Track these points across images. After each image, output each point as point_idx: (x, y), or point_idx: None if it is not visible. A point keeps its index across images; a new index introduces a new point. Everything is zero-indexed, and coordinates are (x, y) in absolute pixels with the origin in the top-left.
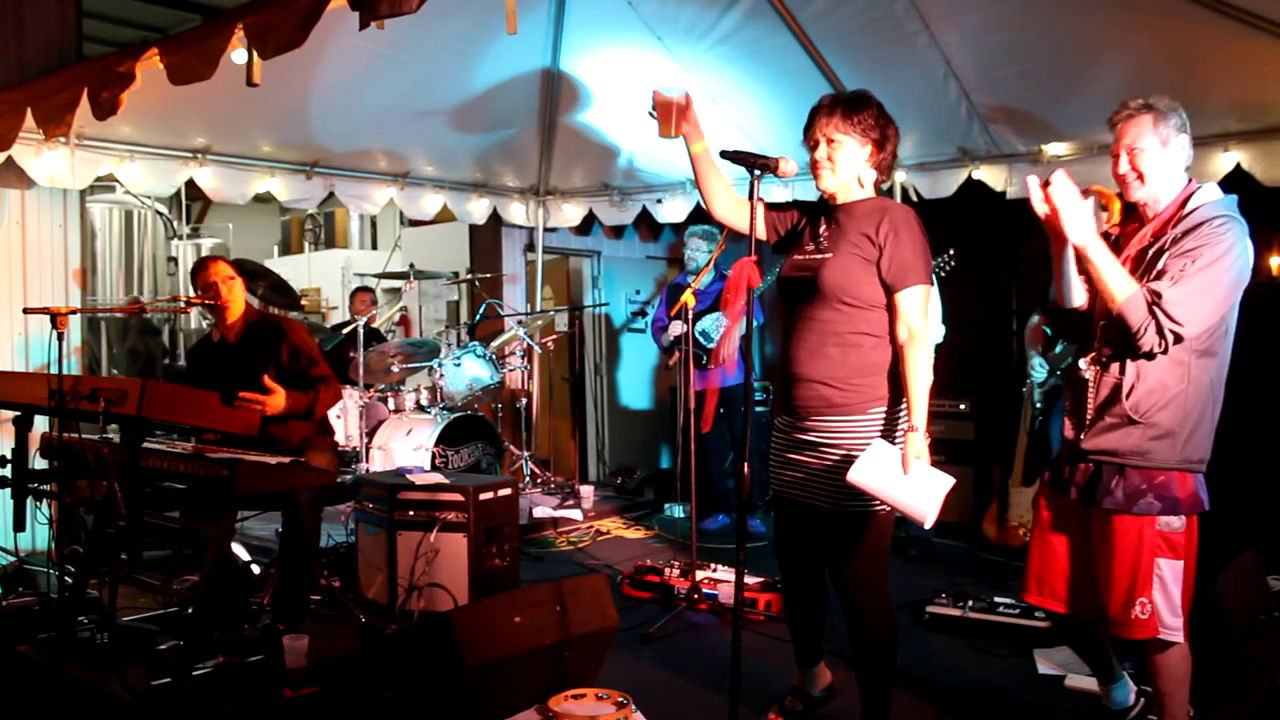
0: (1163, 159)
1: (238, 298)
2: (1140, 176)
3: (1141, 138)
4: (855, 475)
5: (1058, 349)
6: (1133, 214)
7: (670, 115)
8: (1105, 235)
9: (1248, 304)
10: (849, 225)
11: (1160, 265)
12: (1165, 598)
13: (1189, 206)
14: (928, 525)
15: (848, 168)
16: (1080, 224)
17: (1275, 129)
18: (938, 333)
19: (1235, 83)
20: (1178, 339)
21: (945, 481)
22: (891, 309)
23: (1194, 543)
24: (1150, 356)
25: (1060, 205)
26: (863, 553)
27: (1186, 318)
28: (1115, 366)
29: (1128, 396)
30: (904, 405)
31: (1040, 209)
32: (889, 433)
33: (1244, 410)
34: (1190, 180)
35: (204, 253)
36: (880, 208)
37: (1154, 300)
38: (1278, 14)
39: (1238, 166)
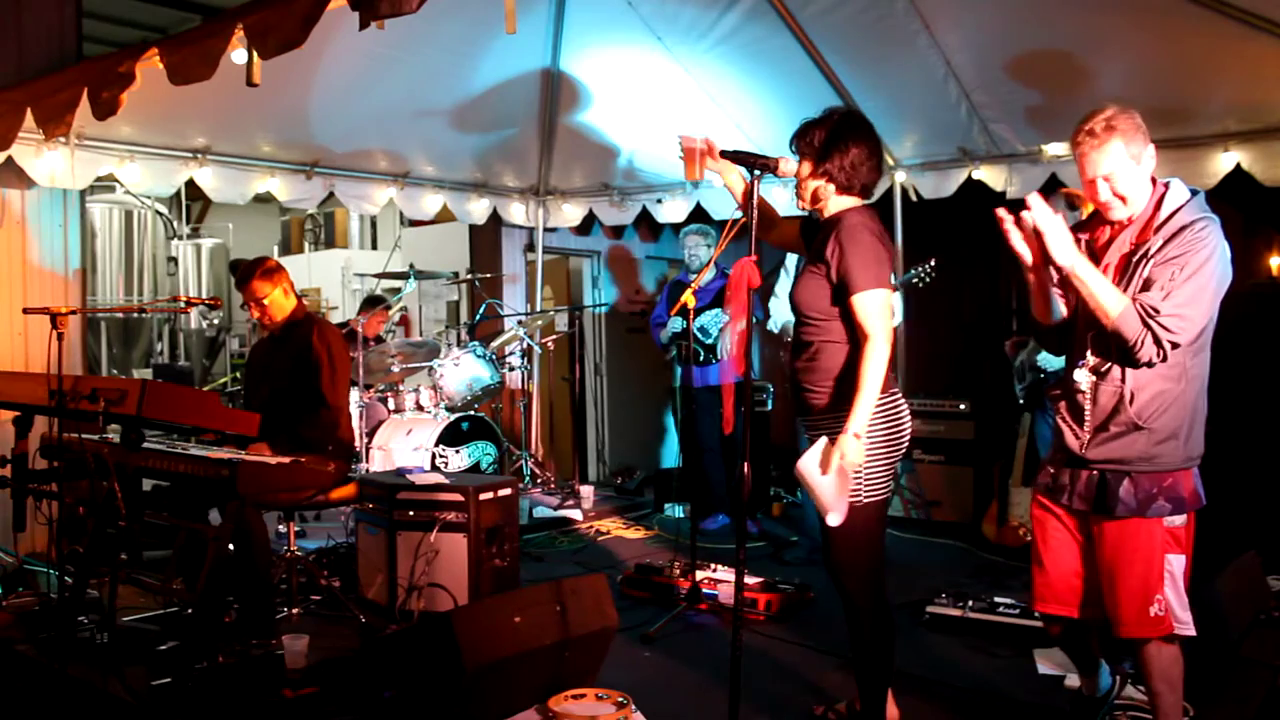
0: (1139, 175)
1: (279, 305)
2: (1124, 200)
3: (1117, 163)
4: (800, 464)
5: (1021, 356)
6: (1098, 217)
7: (694, 159)
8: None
9: (1248, 304)
10: (816, 243)
11: (1146, 273)
12: (1175, 593)
13: (1165, 209)
14: (830, 522)
15: (804, 187)
16: (1064, 247)
17: (1275, 129)
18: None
19: (1235, 83)
20: (1174, 346)
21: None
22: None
23: (1192, 535)
24: (1150, 365)
25: (1044, 230)
26: (851, 542)
27: (1180, 327)
28: (1114, 374)
29: (1131, 404)
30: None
31: (1016, 243)
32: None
33: (1244, 410)
34: (1155, 181)
35: (204, 252)
36: (834, 220)
37: (1150, 314)
38: (1278, 14)
39: (1238, 166)
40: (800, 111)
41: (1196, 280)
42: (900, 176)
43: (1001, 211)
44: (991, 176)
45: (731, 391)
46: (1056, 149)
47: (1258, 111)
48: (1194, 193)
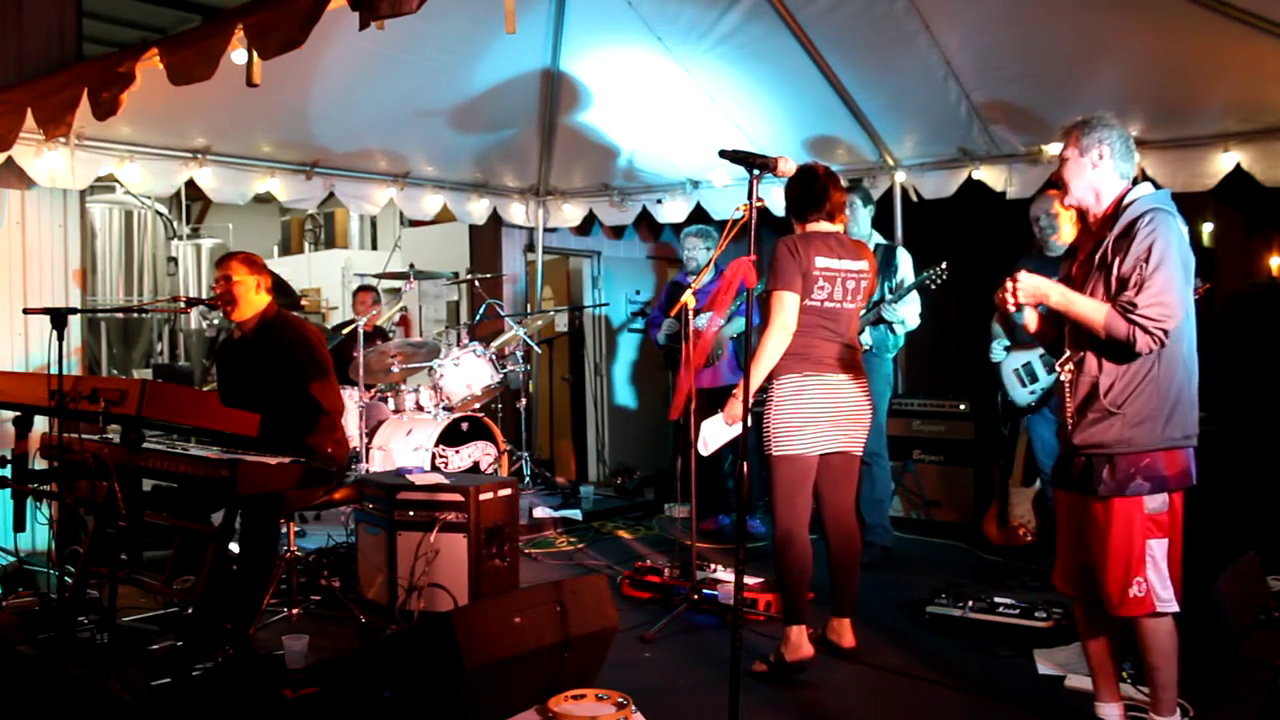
0: (1080, 168)
1: (246, 296)
2: (1065, 185)
3: (1065, 149)
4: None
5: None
6: (1084, 228)
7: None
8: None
9: (1248, 304)
10: None
11: (1111, 265)
12: (1157, 574)
13: (1121, 206)
14: (702, 452)
15: None
16: (1051, 293)
17: (1275, 129)
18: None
19: (1235, 83)
20: (1166, 333)
21: (726, 434)
22: None
23: (1179, 519)
24: (1150, 352)
25: (1033, 294)
26: (769, 486)
27: (1164, 314)
28: (1091, 365)
29: (1106, 393)
30: (773, 379)
31: (1010, 305)
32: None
33: (1245, 409)
34: (1126, 185)
35: (204, 252)
36: None
37: (1129, 310)
38: (1278, 14)
39: (1238, 166)
40: (800, 111)
41: (1164, 270)
42: (900, 177)
43: (1005, 296)
44: (991, 177)
45: (694, 395)
46: (1056, 149)
47: (1258, 111)
48: (1158, 188)
